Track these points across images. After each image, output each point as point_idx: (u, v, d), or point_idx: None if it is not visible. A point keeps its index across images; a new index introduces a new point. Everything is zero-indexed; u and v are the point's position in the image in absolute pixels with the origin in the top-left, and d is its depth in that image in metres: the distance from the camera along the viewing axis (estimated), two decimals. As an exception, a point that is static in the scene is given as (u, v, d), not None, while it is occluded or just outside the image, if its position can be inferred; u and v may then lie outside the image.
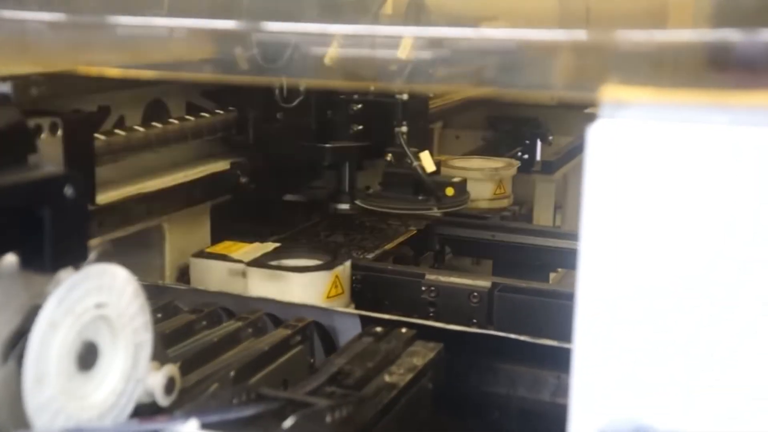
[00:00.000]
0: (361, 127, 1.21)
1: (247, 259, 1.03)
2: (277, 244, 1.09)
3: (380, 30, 0.55)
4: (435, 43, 0.48)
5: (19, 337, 0.51)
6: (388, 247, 1.23)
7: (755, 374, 0.40)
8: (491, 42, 0.46)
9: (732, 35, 0.39)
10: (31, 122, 0.65)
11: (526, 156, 2.30)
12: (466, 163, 1.59)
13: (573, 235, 1.31)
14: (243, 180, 1.23)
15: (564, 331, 0.87)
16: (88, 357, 0.54)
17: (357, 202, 1.27)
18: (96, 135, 0.98)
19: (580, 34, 0.44)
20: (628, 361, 0.43)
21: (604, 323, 0.43)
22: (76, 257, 0.53)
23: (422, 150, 1.19)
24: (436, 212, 1.20)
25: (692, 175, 0.39)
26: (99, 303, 0.54)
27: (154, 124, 1.13)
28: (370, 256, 1.19)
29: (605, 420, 0.44)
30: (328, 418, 0.59)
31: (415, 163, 1.16)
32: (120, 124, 1.11)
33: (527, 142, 2.31)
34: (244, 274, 1.01)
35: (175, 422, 0.52)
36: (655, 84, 0.41)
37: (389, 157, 1.21)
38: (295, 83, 1.11)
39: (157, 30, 0.62)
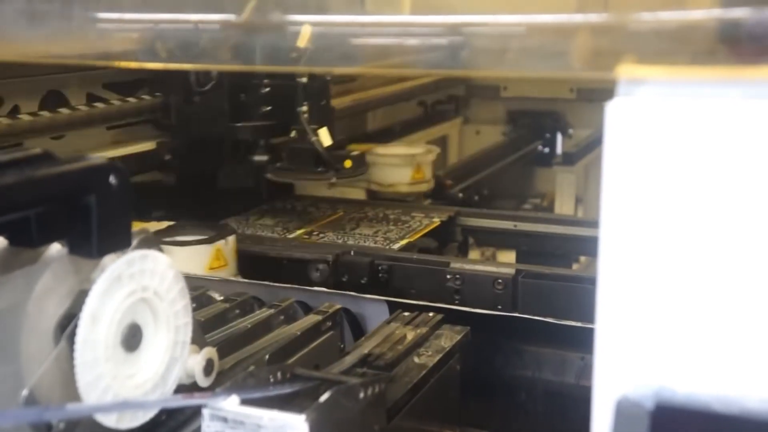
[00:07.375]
0: (269, 108, 1.31)
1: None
2: (171, 223, 1.14)
3: (400, 19, 0.57)
4: (452, 29, 0.50)
5: (70, 320, 0.54)
6: (412, 238, 1.25)
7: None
8: (509, 27, 0.48)
9: (742, 13, 0.41)
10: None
11: (547, 149, 2.33)
12: (387, 150, 1.67)
13: (595, 223, 1.33)
14: (167, 157, 1.34)
15: (589, 316, 0.89)
16: (132, 339, 0.57)
17: (267, 175, 1.34)
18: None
19: (595, 17, 0.46)
20: (650, 329, 0.45)
21: (625, 292, 0.45)
22: (120, 243, 0.55)
23: (321, 127, 1.28)
24: (334, 181, 1.28)
25: (708, 148, 0.41)
26: (142, 287, 0.57)
27: (93, 105, 1.26)
28: (396, 246, 1.21)
29: (628, 387, 0.46)
30: (361, 395, 0.61)
31: (313, 138, 1.26)
32: (15, 113, 1.16)
33: (548, 135, 2.33)
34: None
35: (217, 398, 0.55)
36: (670, 62, 0.43)
37: (293, 133, 1.30)
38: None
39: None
